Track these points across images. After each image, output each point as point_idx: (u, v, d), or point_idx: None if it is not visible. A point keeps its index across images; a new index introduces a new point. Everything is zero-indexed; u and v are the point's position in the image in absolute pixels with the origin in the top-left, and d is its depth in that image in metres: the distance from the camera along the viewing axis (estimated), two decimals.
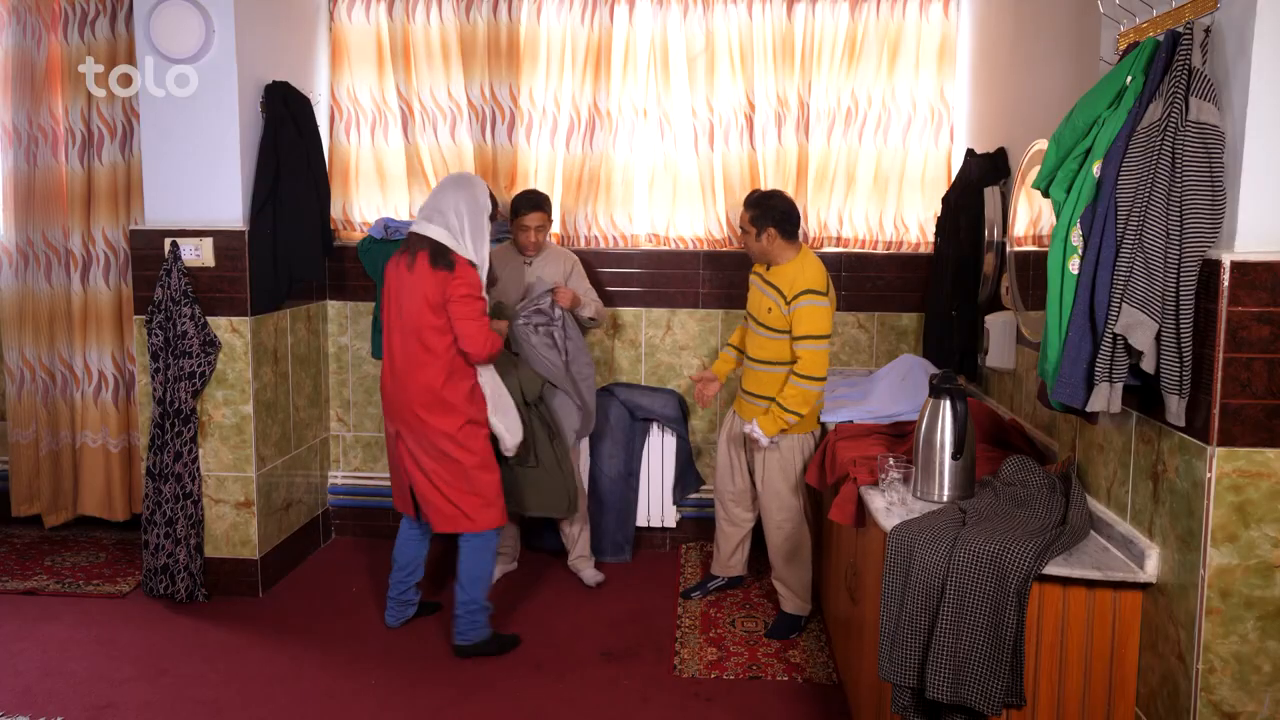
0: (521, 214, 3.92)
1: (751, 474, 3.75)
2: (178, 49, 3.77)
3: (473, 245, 3.40)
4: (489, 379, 3.50)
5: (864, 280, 4.48)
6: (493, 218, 3.51)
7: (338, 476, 4.73)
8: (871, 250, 4.48)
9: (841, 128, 4.43)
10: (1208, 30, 2.03)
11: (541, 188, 4.55)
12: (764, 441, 3.52)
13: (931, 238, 4.24)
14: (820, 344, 3.42)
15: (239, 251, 3.87)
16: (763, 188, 4.44)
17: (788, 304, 3.46)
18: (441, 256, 3.33)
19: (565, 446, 3.95)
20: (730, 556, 3.98)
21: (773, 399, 3.52)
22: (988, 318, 3.44)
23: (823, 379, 3.45)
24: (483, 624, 3.54)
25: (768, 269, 3.59)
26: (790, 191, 4.43)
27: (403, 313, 3.38)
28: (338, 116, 4.60)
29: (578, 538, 4.20)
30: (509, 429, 3.51)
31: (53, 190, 4.41)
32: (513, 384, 3.73)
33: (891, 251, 4.46)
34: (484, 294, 3.42)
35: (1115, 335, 2.04)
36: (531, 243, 3.94)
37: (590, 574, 4.19)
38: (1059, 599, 2.27)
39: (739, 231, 3.68)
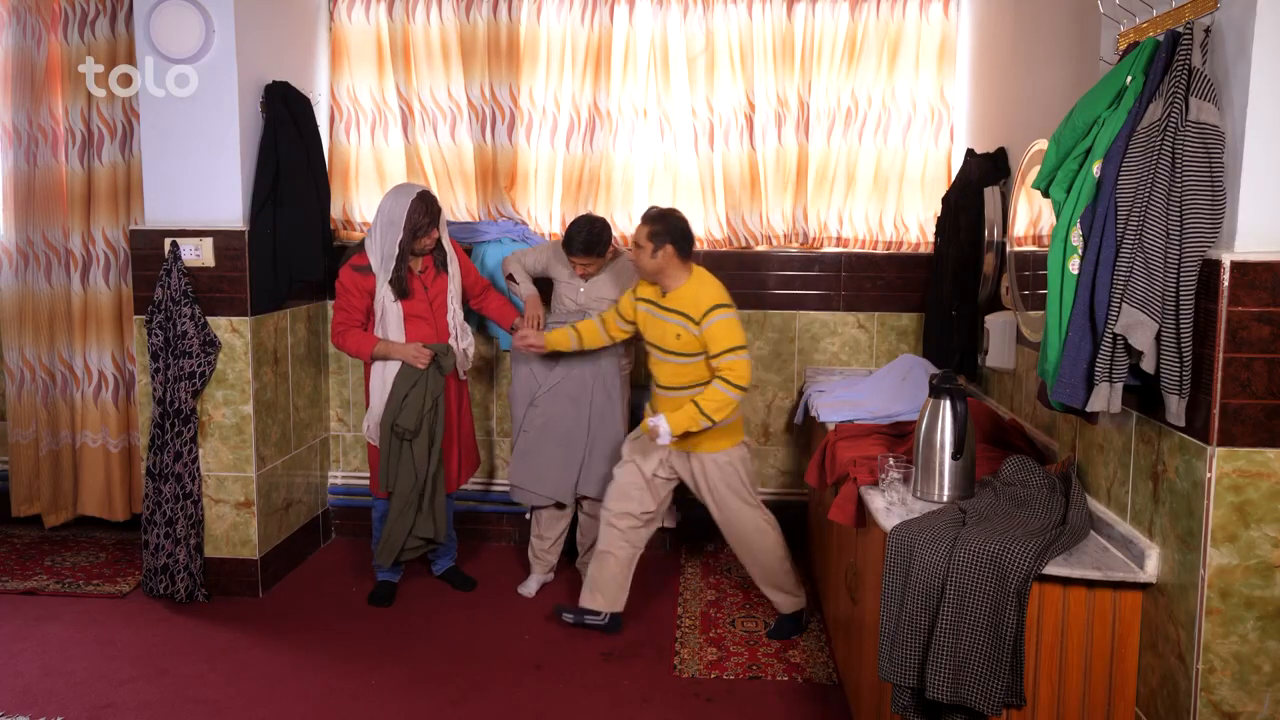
0: (572, 251, 3.82)
1: (701, 505, 3.64)
2: (178, 49, 3.77)
3: (376, 249, 3.75)
4: (378, 377, 3.80)
5: (864, 280, 4.48)
6: (421, 230, 3.69)
7: (337, 476, 4.73)
8: (871, 250, 4.47)
9: (841, 128, 4.43)
10: (1208, 30, 2.03)
11: (541, 188, 4.55)
12: (664, 439, 3.36)
13: (931, 238, 4.24)
14: (743, 353, 3.35)
15: (239, 251, 3.87)
16: (763, 188, 4.45)
17: (698, 324, 3.36)
18: (348, 255, 3.84)
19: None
20: (624, 586, 3.66)
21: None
22: (988, 318, 3.44)
23: (746, 389, 3.37)
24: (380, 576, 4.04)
25: (663, 295, 3.47)
26: (790, 191, 4.44)
27: None
28: (338, 116, 4.60)
29: (591, 543, 4.09)
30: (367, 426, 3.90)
31: (53, 190, 4.41)
32: (416, 395, 3.77)
33: (891, 251, 4.46)
34: (364, 296, 3.75)
35: (1115, 335, 2.04)
36: (580, 275, 3.90)
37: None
38: (1059, 599, 2.27)
39: (633, 246, 3.50)
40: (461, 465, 4.05)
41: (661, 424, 3.36)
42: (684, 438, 3.45)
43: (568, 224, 3.96)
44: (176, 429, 3.85)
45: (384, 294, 3.76)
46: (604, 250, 3.85)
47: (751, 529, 3.58)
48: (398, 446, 3.78)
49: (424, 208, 3.71)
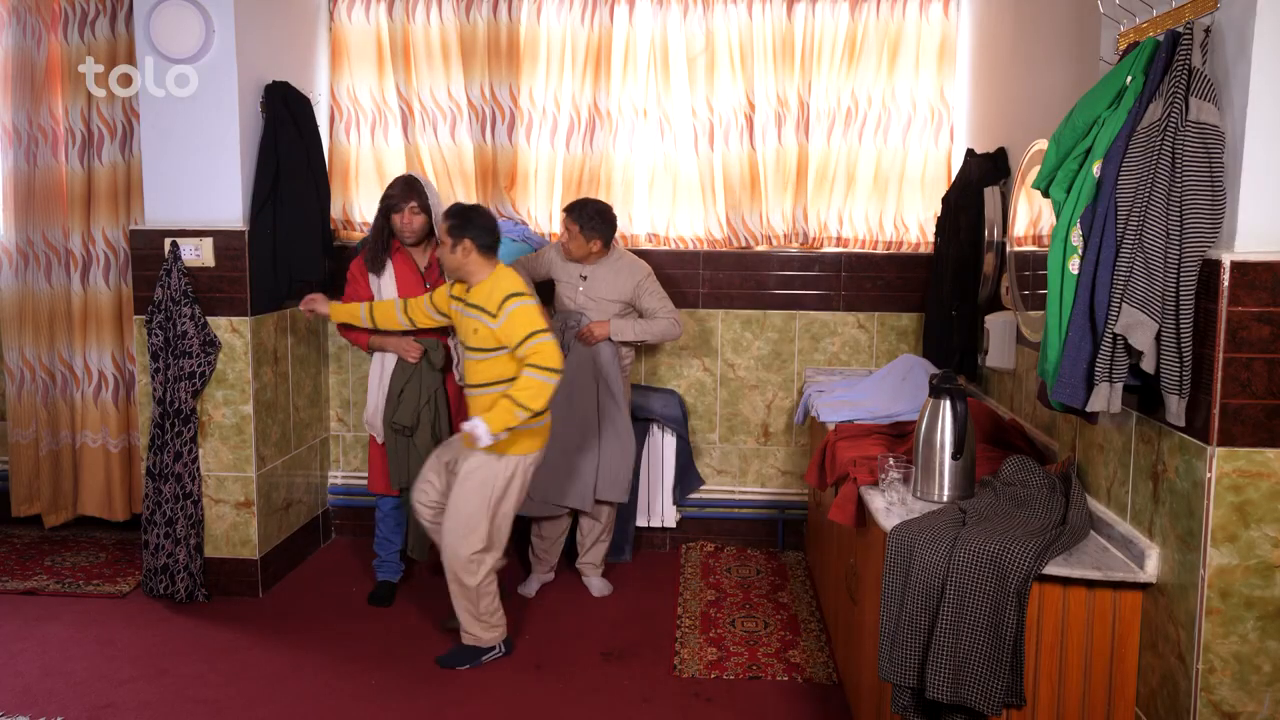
0: (572, 213, 3.89)
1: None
2: (178, 49, 3.77)
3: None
4: (377, 370, 3.89)
5: (864, 280, 4.48)
6: (392, 206, 3.77)
7: (337, 476, 4.73)
8: (871, 250, 4.48)
9: (841, 128, 4.43)
10: (1208, 30, 2.03)
11: (541, 188, 4.56)
12: (483, 440, 3.18)
13: (931, 238, 4.24)
14: (548, 335, 3.24)
15: (239, 251, 3.87)
16: (763, 188, 4.45)
17: (495, 316, 3.28)
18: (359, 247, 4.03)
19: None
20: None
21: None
22: (988, 318, 3.44)
23: (559, 371, 3.23)
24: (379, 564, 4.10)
25: (467, 291, 3.41)
26: (790, 191, 4.44)
27: None
28: (338, 116, 4.60)
29: (591, 545, 4.14)
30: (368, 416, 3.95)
31: (53, 190, 4.41)
32: (411, 391, 3.78)
33: (891, 251, 4.46)
34: (361, 280, 3.86)
35: (1115, 335, 2.04)
36: (565, 246, 3.91)
37: (598, 584, 4.12)
38: (1059, 599, 2.27)
39: (437, 242, 3.47)
40: None
41: (478, 426, 3.18)
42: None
43: (557, 224, 3.99)
44: (176, 429, 3.85)
45: (378, 282, 3.83)
46: (594, 230, 3.85)
47: (464, 536, 3.33)
48: (403, 443, 3.80)
49: (402, 184, 3.77)
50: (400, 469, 3.81)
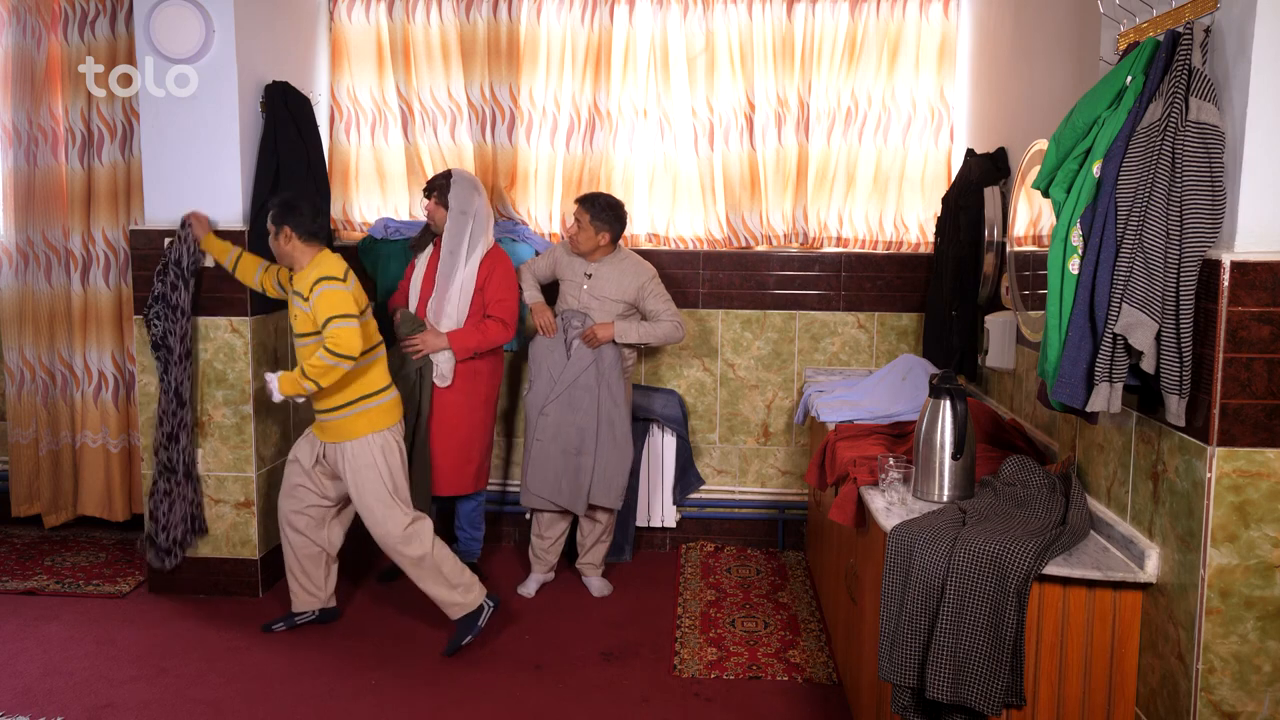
0: (583, 202, 3.96)
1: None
2: (178, 49, 3.77)
3: None
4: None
5: (864, 280, 4.48)
6: (426, 193, 3.97)
7: None
8: (871, 250, 4.48)
9: (841, 128, 4.43)
10: (1208, 30, 2.03)
11: (541, 188, 4.56)
12: (275, 396, 3.36)
13: (931, 238, 4.24)
14: (350, 321, 3.30)
15: None
16: (763, 188, 4.45)
17: (306, 299, 3.38)
18: None
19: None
20: (322, 583, 3.72)
21: (342, 406, 3.44)
22: (988, 318, 3.45)
23: (353, 358, 3.30)
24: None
25: (290, 279, 3.55)
26: (790, 191, 4.44)
27: None
28: (338, 116, 4.60)
29: (591, 545, 4.14)
30: None
31: (53, 190, 4.41)
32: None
33: (891, 251, 4.46)
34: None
35: (1115, 335, 2.04)
36: (570, 234, 3.97)
37: (598, 584, 4.13)
38: (1059, 599, 2.27)
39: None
40: (450, 470, 4.02)
41: (272, 381, 3.38)
42: (334, 427, 3.47)
43: (556, 224, 4.03)
44: (173, 409, 3.84)
45: (414, 259, 4.06)
46: (604, 222, 3.89)
47: (398, 537, 3.45)
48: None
49: (436, 178, 3.94)
50: None
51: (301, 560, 3.68)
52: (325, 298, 3.34)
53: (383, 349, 3.58)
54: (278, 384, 3.37)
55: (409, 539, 3.46)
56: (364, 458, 3.46)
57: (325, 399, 3.46)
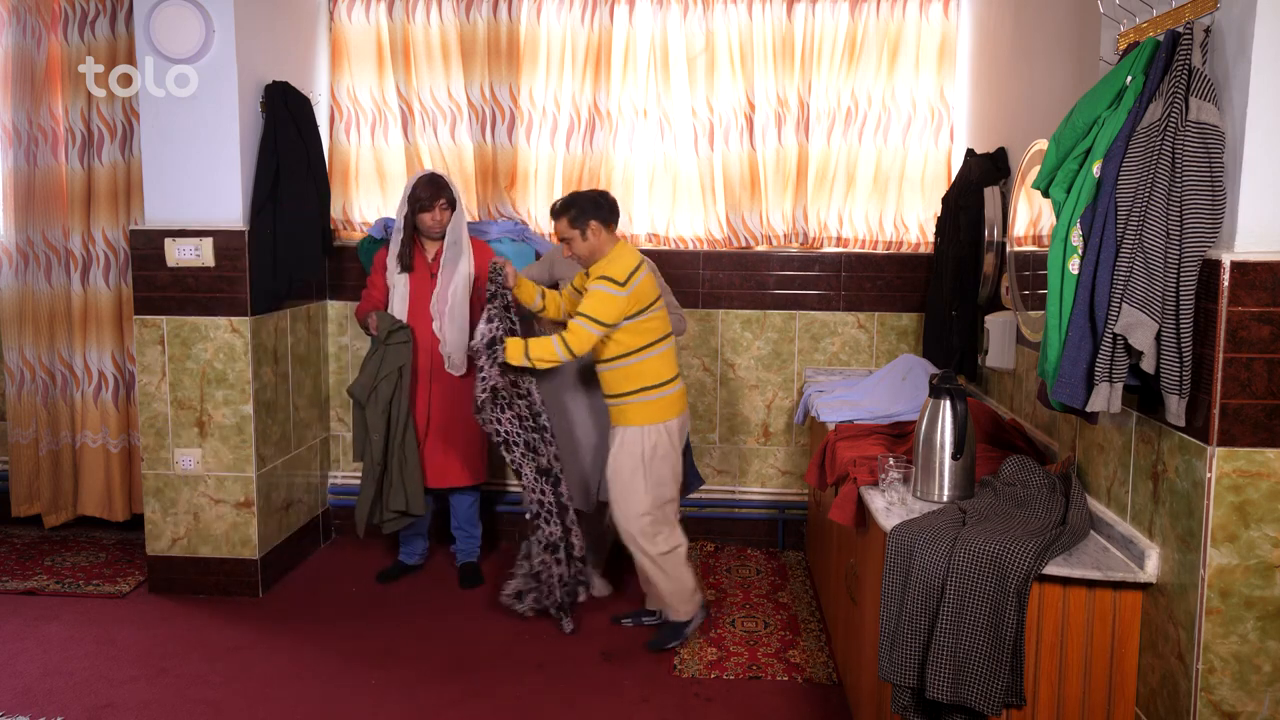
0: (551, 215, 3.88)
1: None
2: (178, 49, 3.77)
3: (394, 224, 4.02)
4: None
5: (864, 280, 4.48)
6: (420, 205, 3.88)
7: (338, 476, 4.73)
8: (871, 250, 4.48)
9: (841, 128, 4.43)
10: (1208, 30, 2.03)
11: (541, 188, 4.56)
12: (500, 356, 3.43)
13: (931, 238, 4.24)
14: (595, 328, 3.34)
15: (239, 251, 3.87)
16: (763, 188, 4.45)
17: (623, 285, 3.42)
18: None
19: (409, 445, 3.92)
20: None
21: (622, 394, 3.49)
22: (988, 318, 3.44)
23: (574, 358, 3.39)
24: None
25: (586, 273, 3.57)
26: (790, 191, 4.44)
27: None
28: (338, 116, 4.60)
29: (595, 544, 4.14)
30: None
31: (53, 190, 4.41)
32: (371, 364, 3.89)
33: (891, 251, 4.46)
34: (385, 271, 4.00)
35: (1115, 335, 2.04)
36: (570, 256, 3.70)
37: (598, 583, 4.10)
38: (1059, 599, 2.27)
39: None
40: (451, 462, 4.04)
41: (499, 340, 3.46)
42: (616, 413, 3.54)
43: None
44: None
45: (393, 267, 3.98)
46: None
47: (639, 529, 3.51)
48: (359, 416, 3.90)
49: (428, 184, 3.89)
50: (358, 442, 3.94)
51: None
52: (595, 295, 3.38)
53: (670, 341, 3.56)
54: (504, 351, 3.43)
55: (652, 535, 3.50)
56: (632, 446, 3.49)
57: (608, 386, 3.53)
